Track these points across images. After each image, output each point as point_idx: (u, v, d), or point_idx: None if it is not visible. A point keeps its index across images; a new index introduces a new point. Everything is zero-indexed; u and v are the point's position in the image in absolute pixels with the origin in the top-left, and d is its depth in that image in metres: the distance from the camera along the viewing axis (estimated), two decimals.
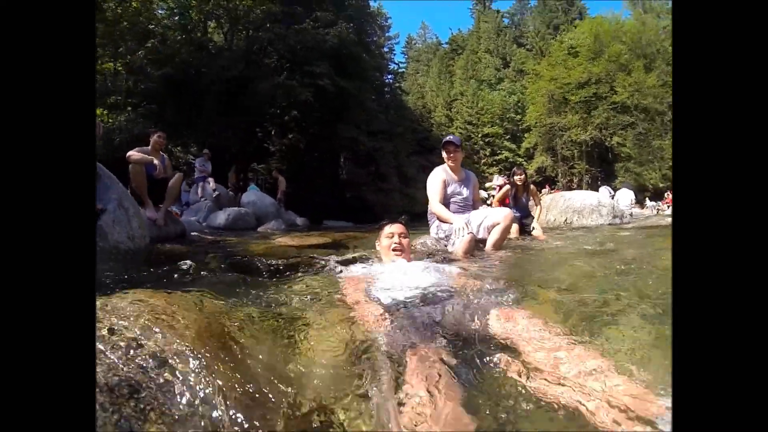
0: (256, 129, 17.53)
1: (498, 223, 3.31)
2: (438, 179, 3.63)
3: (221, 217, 8.01)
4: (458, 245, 3.12)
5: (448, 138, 3.76)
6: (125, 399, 0.76)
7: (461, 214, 3.55)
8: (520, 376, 0.97)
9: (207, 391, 0.84)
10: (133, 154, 4.12)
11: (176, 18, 12.66)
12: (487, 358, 1.08)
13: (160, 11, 12.77)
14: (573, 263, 2.58)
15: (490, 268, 2.55)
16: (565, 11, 42.79)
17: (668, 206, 19.20)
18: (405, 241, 2.25)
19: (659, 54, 28.82)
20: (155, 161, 4.22)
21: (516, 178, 5.58)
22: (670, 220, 10.11)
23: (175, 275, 2.10)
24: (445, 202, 3.64)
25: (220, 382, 0.87)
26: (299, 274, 2.33)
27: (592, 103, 29.96)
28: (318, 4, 14.67)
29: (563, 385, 0.90)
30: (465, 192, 3.73)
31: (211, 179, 9.60)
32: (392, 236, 2.23)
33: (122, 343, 0.88)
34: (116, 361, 0.83)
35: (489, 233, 3.36)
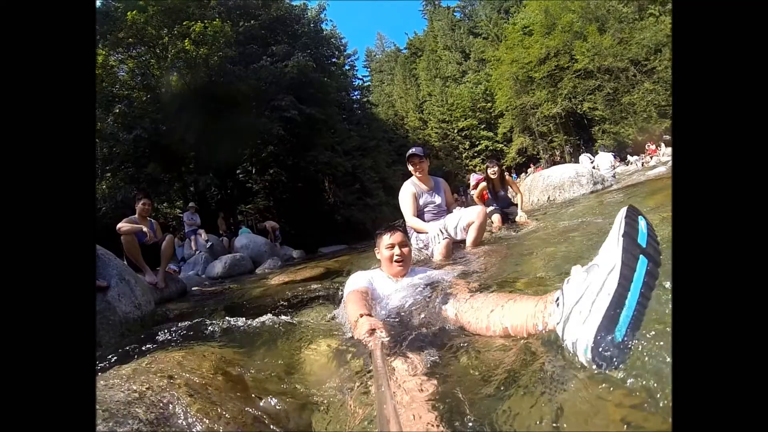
0: (237, 171, 17.74)
1: (472, 222, 3.50)
2: (408, 193, 3.78)
3: (218, 267, 8.13)
4: (437, 252, 3.36)
5: (411, 151, 3.91)
6: None
7: (437, 220, 3.72)
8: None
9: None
10: (123, 225, 4.26)
11: (139, 78, 12.83)
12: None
13: (121, 74, 12.94)
14: (543, 249, 2.73)
15: (468, 268, 2.66)
16: None
17: (651, 157, 19.54)
18: (406, 250, 2.18)
19: (609, 14, 29.23)
20: (144, 229, 4.37)
21: (489, 171, 5.62)
22: (649, 173, 10.39)
23: (182, 334, 2.24)
24: (420, 212, 3.81)
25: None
26: (297, 309, 2.50)
27: (556, 75, 30.50)
28: (272, 38, 14.99)
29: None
30: (437, 199, 3.88)
31: (202, 231, 9.76)
32: (392, 247, 2.14)
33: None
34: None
35: (466, 233, 3.54)
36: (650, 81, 26.30)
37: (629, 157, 22.70)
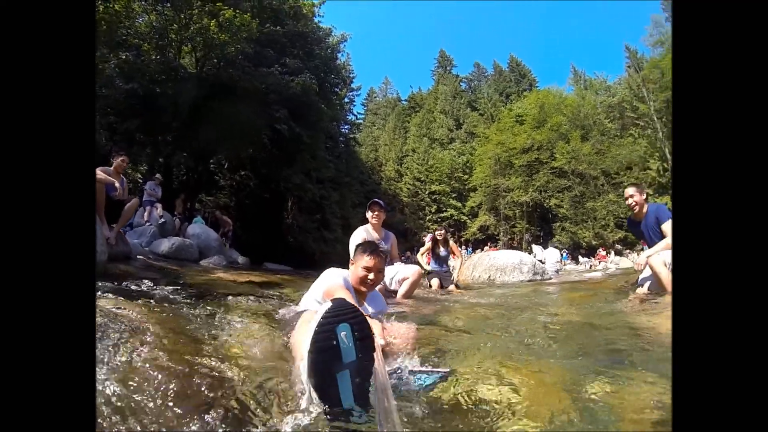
0: (210, 160, 17.46)
1: (407, 278, 4.04)
2: (359, 237, 4.16)
3: (165, 245, 7.90)
4: None
5: (375, 200, 4.39)
6: None
7: None
8: None
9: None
10: (98, 173, 4.25)
11: (155, 36, 12.48)
12: None
13: (139, 19, 12.62)
14: (458, 310, 3.17)
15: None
16: (517, 82, 46.98)
17: (599, 261, 20.93)
18: (379, 277, 2.21)
19: (594, 125, 32.61)
20: (116, 183, 4.37)
21: (437, 233, 6.17)
22: (588, 275, 11.28)
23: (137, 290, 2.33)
24: None
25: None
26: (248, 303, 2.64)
27: (534, 167, 32.70)
28: (290, 50, 15.28)
29: None
30: (385, 249, 4.27)
31: (159, 205, 9.53)
32: (369, 270, 2.17)
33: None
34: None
35: (400, 285, 4.05)
36: (615, 193, 28.65)
37: (581, 258, 24.22)
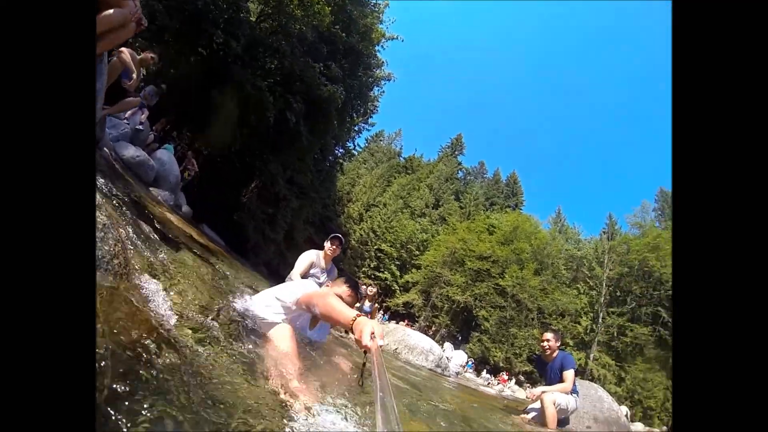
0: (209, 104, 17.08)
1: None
2: (308, 259, 4.41)
3: (130, 152, 7.49)
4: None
5: (338, 235, 4.65)
6: None
7: None
8: None
9: None
10: (125, 53, 4.18)
11: None
12: None
13: None
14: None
15: None
16: (507, 196, 49.41)
17: (498, 383, 21.68)
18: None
19: (551, 266, 34.92)
20: (133, 74, 4.33)
21: (368, 289, 6.53)
22: (482, 389, 11.64)
23: None
24: (303, 278, 4.34)
25: None
26: None
27: (481, 275, 33.91)
28: (338, 59, 15.65)
29: None
30: (322, 279, 4.48)
31: (146, 112, 9.21)
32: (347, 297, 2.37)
33: None
34: None
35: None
36: (540, 331, 29.72)
37: (484, 372, 24.87)
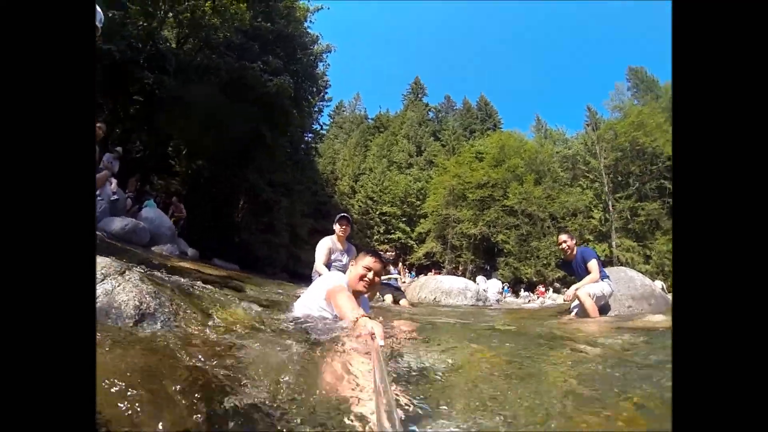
0: (170, 142, 16.85)
1: None
2: (325, 246, 4.53)
3: (118, 225, 7.48)
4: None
5: (344, 214, 4.75)
6: None
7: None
8: None
9: None
10: None
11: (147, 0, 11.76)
12: None
13: None
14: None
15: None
16: (483, 120, 48.86)
17: (538, 296, 22.23)
18: (377, 280, 2.31)
19: (548, 172, 34.86)
20: None
21: (386, 254, 6.62)
22: (525, 305, 12.07)
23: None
24: (328, 265, 4.48)
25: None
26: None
27: (486, 203, 34.00)
28: (273, 49, 15.16)
29: None
30: (345, 260, 4.58)
31: (114, 180, 9.06)
32: (369, 270, 2.27)
33: None
34: None
35: None
36: (557, 236, 30.21)
37: (521, 292, 25.48)
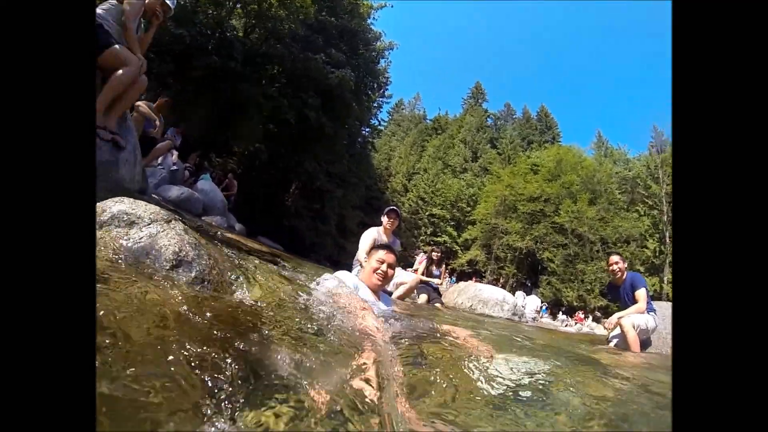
0: (229, 126, 17.67)
1: (405, 282, 4.59)
2: (370, 236, 4.54)
3: (174, 192, 8.03)
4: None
5: (393, 207, 4.79)
6: None
7: None
8: None
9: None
10: (143, 105, 4.45)
11: None
12: None
13: None
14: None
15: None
16: (542, 132, 47.48)
17: (576, 322, 21.25)
18: (390, 273, 2.33)
19: (605, 193, 32.98)
20: (157, 121, 4.60)
21: (432, 253, 6.68)
22: (561, 328, 11.60)
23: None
24: None
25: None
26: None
27: (536, 217, 32.91)
28: (337, 43, 15.60)
29: None
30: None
31: (175, 152, 9.71)
32: (382, 263, 2.30)
33: None
34: None
35: (396, 288, 4.56)
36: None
37: (560, 314, 24.48)
